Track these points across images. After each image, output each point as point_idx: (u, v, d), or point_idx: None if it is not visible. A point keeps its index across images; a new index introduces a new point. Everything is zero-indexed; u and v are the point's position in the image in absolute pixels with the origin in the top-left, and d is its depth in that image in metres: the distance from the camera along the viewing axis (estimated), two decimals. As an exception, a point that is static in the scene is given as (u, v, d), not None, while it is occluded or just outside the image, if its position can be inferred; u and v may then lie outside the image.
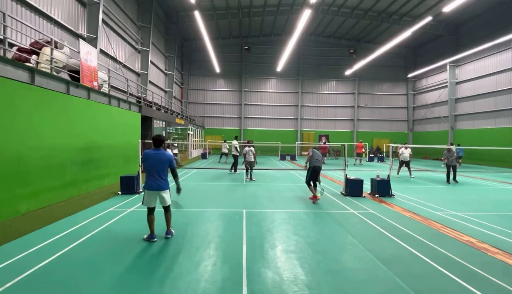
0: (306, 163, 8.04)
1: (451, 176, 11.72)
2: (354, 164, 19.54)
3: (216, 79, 31.68)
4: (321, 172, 8.14)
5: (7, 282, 3.28)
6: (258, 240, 4.81)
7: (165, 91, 24.90)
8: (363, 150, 28.18)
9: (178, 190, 4.84)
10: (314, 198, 7.76)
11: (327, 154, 26.30)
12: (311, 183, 7.96)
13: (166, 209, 4.83)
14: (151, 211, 4.72)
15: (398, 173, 13.83)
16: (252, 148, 12.13)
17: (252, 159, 11.92)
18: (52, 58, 7.74)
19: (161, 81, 24.08)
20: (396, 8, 23.39)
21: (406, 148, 13.58)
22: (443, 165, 11.96)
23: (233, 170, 13.62)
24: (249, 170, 11.94)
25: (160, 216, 5.01)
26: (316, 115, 32.24)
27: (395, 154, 25.28)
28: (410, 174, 13.63)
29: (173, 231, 4.96)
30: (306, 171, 8.08)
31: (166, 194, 4.72)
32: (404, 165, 13.58)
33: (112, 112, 10.29)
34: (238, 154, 13.91)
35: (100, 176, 9.32)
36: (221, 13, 24.62)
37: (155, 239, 4.68)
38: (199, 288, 3.25)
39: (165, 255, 4.15)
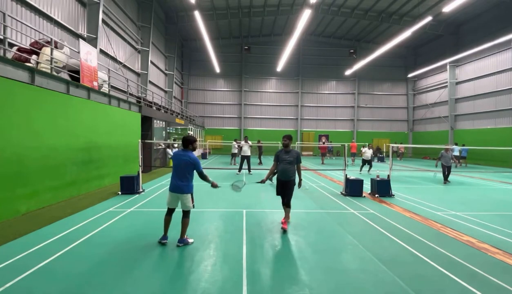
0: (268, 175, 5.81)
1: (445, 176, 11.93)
2: (352, 164, 19.57)
3: (216, 79, 31.67)
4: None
5: (7, 282, 3.28)
6: (258, 240, 4.81)
7: (165, 91, 24.90)
8: (363, 150, 28.34)
9: (212, 185, 4.69)
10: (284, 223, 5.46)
11: (327, 154, 26.27)
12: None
13: (184, 214, 4.55)
14: (169, 211, 4.65)
15: (361, 170, 14.62)
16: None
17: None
18: (52, 58, 7.73)
19: (161, 81, 24.08)
20: (396, 8, 23.38)
21: (369, 148, 14.57)
22: (436, 166, 12.16)
23: (248, 171, 13.44)
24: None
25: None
26: (316, 115, 32.23)
27: (395, 154, 25.38)
28: (369, 170, 14.49)
29: (189, 240, 4.59)
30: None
31: (185, 198, 4.48)
32: (366, 163, 14.49)
33: (112, 112, 10.29)
34: (249, 154, 13.47)
35: (100, 176, 9.32)
36: (221, 13, 24.62)
37: (165, 241, 4.55)
38: (199, 288, 3.25)
39: (165, 255, 4.15)
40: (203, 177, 4.57)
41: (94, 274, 3.56)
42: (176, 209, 4.66)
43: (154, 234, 4.98)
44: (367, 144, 15.93)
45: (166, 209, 4.69)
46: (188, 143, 4.56)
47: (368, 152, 14.33)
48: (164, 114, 17.02)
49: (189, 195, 4.52)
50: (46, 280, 3.39)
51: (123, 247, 4.41)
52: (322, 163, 20.14)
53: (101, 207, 6.83)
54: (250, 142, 13.92)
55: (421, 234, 5.18)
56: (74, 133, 7.97)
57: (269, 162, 21.07)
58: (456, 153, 18.71)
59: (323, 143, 22.54)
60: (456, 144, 20.11)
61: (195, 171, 4.53)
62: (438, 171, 12.19)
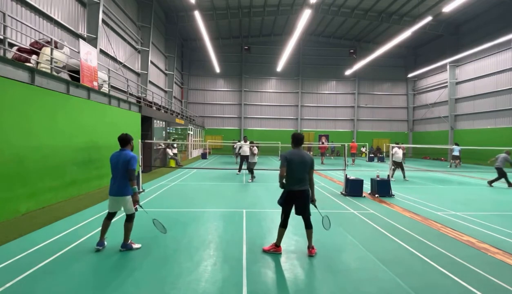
0: (281, 185, 4.31)
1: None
2: (352, 164, 19.57)
3: (216, 79, 31.68)
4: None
5: (7, 282, 3.28)
6: (258, 240, 4.80)
7: (165, 91, 24.90)
8: (364, 150, 28.38)
9: (133, 201, 4.25)
10: (277, 249, 4.31)
11: (327, 154, 26.19)
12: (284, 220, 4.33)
13: (127, 218, 4.31)
14: (108, 215, 4.37)
15: (392, 176, 12.34)
16: (254, 148, 11.85)
17: (254, 160, 11.66)
18: (52, 58, 7.74)
19: (161, 81, 24.08)
20: (396, 8, 23.39)
21: (399, 147, 12.56)
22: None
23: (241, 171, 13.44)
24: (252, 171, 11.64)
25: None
26: (316, 115, 32.24)
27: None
28: (404, 176, 12.54)
29: (134, 245, 4.32)
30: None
31: (126, 201, 4.23)
32: (397, 166, 12.56)
33: (112, 112, 10.29)
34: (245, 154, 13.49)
35: (100, 176, 9.32)
36: (221, 13, 24.63)
37: (100, 248, 4.20)
38: (199, 288, 3.25)
39: (165, 255, 4.15)
40: (130, 177, 4.19)
41: (94, 274, 3.56)
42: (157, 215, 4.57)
43: (153, 234, 4.98)
44: (397, 143, 13.57)
45: (164, 210, 4.66)
46: (127, 142, 4.45)
47: (399, 153, 12.33)
48: (164, 114, 17.02)
49: (129, 197, 4.25)
50: (46, 280, 3.39)
51: (123, 247, 4.41)
52: (322, 163, 20.13)
53: (101, 207, 6.82)
54: (248, 142, 13.87)
55: (421, 234, 5.18)
56: (74, 133, 7.96)
57: (268, 162, 21.06)
58: (456, 153, 18.68)
59: (322, 143, 22.45)
60: (456, 144, 20.11)
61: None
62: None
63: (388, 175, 8.93)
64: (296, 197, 4.22)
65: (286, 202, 4.26)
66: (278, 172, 4.30)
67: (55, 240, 4.62)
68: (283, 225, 4.28)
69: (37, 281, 3.36)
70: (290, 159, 4.17)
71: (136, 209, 4.34)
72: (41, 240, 4.60)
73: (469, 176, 14.22)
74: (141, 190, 8.69)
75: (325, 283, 3.44)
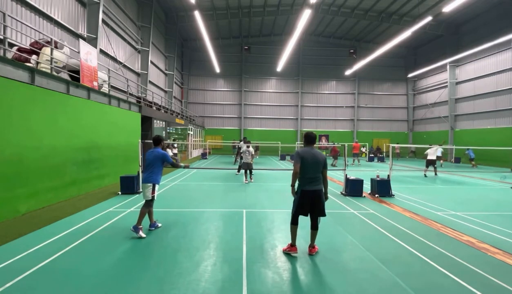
0: (293, 183, 4.25)
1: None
2: (352, 164, 19.51)
3: (216, 79, 31.68)
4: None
5: (7, 282, 3.28)
6: (258, 240, 4.81)
7: (165, 91, 24.90)
8: (364, 150, 28.37)
9: (185, 167, 5.63)
10: (292, 249, 4.29)
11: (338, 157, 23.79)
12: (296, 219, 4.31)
13: (145, 204, 5.01)
14: (145, 204, 5.06)
15: (436, 173, 14.34)
16: (250, 148, 11.70)
17: (250, 161, 11.40)
18: (52, 58, 7.74)
19: (161, 81, 24.08)
20: (396, 8, 23.39)
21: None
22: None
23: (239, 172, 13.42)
24: (247, 172, 11.48)
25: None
26: (316, 115, 32.24)
27: (414, 154, 25.35)
28: (425, 173, 14.20)
29: (142, 233, 4.82)
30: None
31: (145, 187, 4.95)
32: (430, 164, 13.99)
33: (112, 112, 10.29)
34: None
35: (100, 176, 9.32)
36: (221, 13, 24.63)
37: (153, 228, 5.16)
38: (199, 288, 3.25)
39: (165, 255, 4.15)
40: (175, 165, 5.32)
41: (93, 274, 3.56)
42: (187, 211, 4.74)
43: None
44: (431, 144, 15.38)
45: (164, 210, 4.81)
46: (158, 142, 5.20)
47: (439, 151, 14.02)
48: (164, 114, 17.03)
49: (150, 185, 4.95)
50: (46, 280, 3.39)
51: (122, 247, 4.41)
52: (334, 165, 18.44)
53: (101, 207, 6.83)
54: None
55: (421, 234, 5.18)
56: (74, 133, 7.96)
57: (268, 162, 21.05)
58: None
59: (334, 143, 21.02)
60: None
61: (163, 164, 5.12)
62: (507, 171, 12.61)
63: (388, 175, 8.92)
64: (311, 197, 4.15)
65: (300, 203, 4.17)
66: (287, 171, 4.31)
67: (55, 240, 4.62)
68: (294, 222, 4.28)
69: (37, 282, 3.35)
70: (303, 156, 4.13)
71: (153, 197, 4.98)
72: (41, 240, 4.60)
73: (469, 176, 14.22)
74: (141, 190, 8.68)
75: (325, 283, 3.44)
